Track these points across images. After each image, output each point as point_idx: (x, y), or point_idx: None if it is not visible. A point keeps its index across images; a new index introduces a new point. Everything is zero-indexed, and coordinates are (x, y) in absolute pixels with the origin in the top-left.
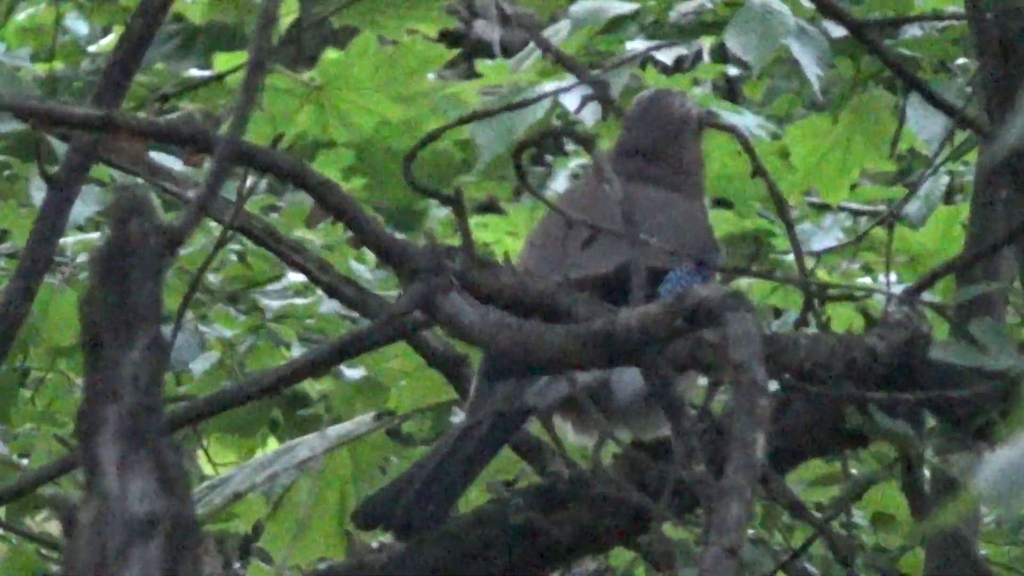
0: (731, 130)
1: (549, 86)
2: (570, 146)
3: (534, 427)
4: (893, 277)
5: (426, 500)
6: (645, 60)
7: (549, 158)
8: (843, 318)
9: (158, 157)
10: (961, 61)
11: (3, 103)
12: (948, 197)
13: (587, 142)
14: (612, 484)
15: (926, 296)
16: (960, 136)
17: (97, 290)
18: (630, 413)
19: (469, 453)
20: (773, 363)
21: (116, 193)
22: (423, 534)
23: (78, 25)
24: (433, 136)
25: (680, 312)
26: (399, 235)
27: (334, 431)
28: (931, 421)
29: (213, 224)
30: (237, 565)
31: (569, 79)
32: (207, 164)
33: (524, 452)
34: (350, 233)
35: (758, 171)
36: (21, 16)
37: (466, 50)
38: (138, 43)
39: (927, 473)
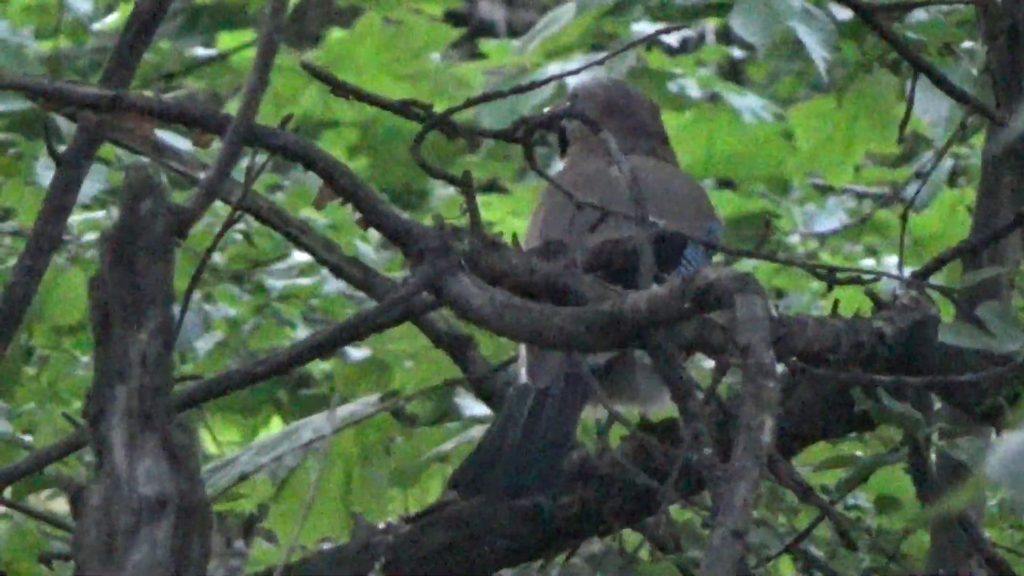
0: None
1: (554, 67)
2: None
3: None
4: (897, 260)
5: (528, 464)
6: (651, 42)
7: (553, 139)
8: (851, 301)
9: (165, 136)
10: (967, 45)
11: (13, 82)
12: (952, 180)
13: (594, 124)
14: (619, 466)
15: (933, 280)
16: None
17: (107, 271)
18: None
19: (555, 415)
20: (780, 346)
21: (127, 173)
22: (531, 497)
23: (81, 2)
24: (441, 118)
25: (688, 295)
26: (405, 215)
27: (340, 412)
28: (938, 404)
29: (218, 203)
30: (240, 544)
31: (574, 60)
32: (216, 144)
33: None
34: (357, 214)
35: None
36: None
37: (470, 30)
38: (147, 22)
39: (933, 456)
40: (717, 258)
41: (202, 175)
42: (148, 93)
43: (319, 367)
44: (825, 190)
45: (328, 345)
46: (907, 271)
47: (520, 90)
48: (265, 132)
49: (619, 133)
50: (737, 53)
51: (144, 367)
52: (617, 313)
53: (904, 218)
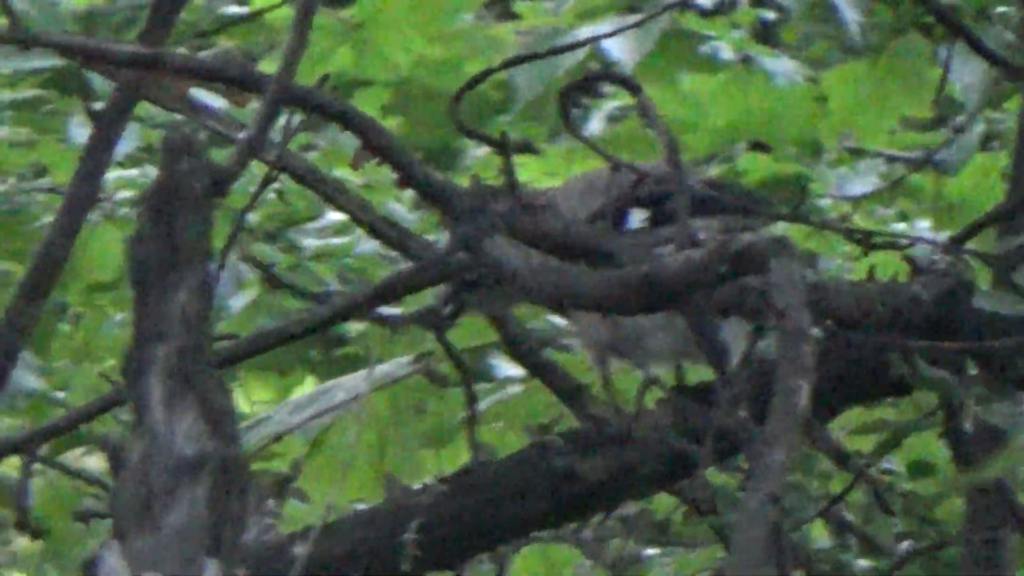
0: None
1: (588, 29)
2: (607, 88)
3: (577, 369)
4: (928, 224)
5: None
6: (684, 5)
7: (586, 100)
8: (884, 266)
9: (201, 95)
10: (1001, 9)
11: (52, 41)
12: (985, 144)
13: (633, 86)
14: (655, 429)
15: (970, 245)
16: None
17: (146, 229)
18: None
19: None
20: (817, 310)
21: (166, 132)
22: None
23: None
24: (478, 79)
25: (724, 258)
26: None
27: (372, 373)
28: (973, 370)
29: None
30: (272, 503)
31: (608, 22)
32: (253, 104)
33: (565, 395)
34: (395, 175)
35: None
36: None
37: None
38: None
39: (969, 422)
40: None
41: (240, 134)
42: (182, 50)
43: (353, 327)
44: (857, 153)
45: (366, 305)
46: (942, 236)
47: (556, 51)
48: (304, 92)
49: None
50: (770, 16)
51: (183, 326)
52: (653, 276)
53: (936, 181)
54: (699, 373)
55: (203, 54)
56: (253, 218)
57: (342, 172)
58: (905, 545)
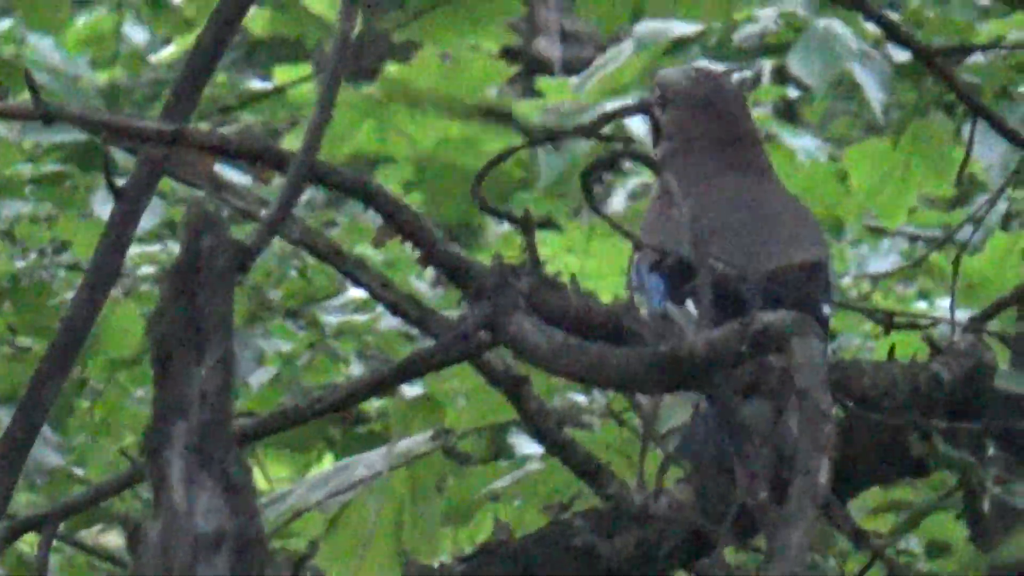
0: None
1: (611, 105)
2: (628, 164)
3: (597, 447)
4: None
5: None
6: None
7: (608, 176)
8: (905, 345)
9: (224, 171)
10: None
11: (76, 116)
12: (1005, 224)
13: (655, 165)
14: (675, 508)
15: (990, 326)
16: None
17: (168, 305)
18: None
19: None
20: (837, 389)
21: (188, 208)
22: None
23: (136, 32)
24: (501, 158)
25: (746, 337)
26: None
27: (393, 450)
28: (992, 450)
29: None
30: None
31: (631, 98)
32: (278, 180)
33: (584, 473)
34: (416, 252)
35: None
36: (80, 23)
37: (526, 67)
38: (210, 57)
39: (987, 502)
40: None
41: (263, 212)
42: (205, 126)
43: (372, 404)
44: (879, 232)
45: (387, 383)
46: (963, 315)
47: (579, 132)
48: (326, 170)
49: (712, 142)
50: (792, 93)
51: (204, 402)
52: (675, 355)
53: (957, 263)
54: None
55: (226, 130)
56: (274, 294)
57: (363, 249)
58: None
